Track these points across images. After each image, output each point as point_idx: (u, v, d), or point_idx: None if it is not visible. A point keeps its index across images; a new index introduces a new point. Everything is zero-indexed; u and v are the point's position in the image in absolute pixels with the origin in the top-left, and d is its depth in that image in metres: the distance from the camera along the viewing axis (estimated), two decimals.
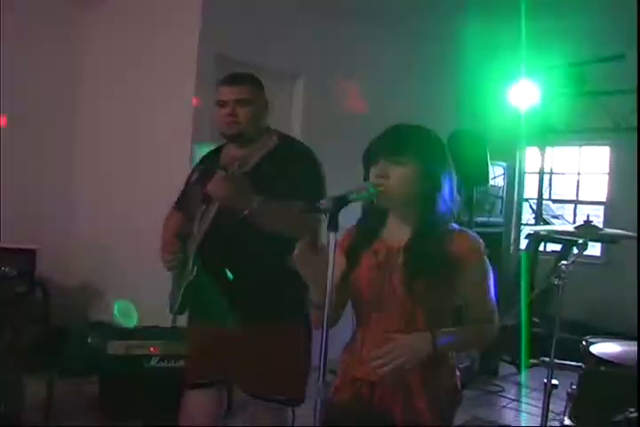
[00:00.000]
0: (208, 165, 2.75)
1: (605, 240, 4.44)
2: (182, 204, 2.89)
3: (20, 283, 4.22)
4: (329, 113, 4.83)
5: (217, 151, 2.85)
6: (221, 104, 2.63)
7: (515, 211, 7.09)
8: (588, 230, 2.86)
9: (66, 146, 5.13)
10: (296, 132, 4.84)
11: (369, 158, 1.88)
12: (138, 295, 4.52)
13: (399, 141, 1.86)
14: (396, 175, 1.83)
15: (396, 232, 1.92)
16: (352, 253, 1.94)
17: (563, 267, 2.63)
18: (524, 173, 7.05)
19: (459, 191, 5.54)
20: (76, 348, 4.37)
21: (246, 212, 2.29)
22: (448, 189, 1.89)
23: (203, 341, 2.70)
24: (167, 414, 3.66)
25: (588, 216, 2.99)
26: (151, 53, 4.61)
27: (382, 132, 1.92)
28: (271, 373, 2.44)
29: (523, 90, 5.35)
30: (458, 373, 1.96)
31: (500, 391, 4.89)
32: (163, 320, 4.00)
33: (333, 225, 1.64)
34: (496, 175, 6.56)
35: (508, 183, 6.83)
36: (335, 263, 1.66)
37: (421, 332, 1.80)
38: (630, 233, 3.07)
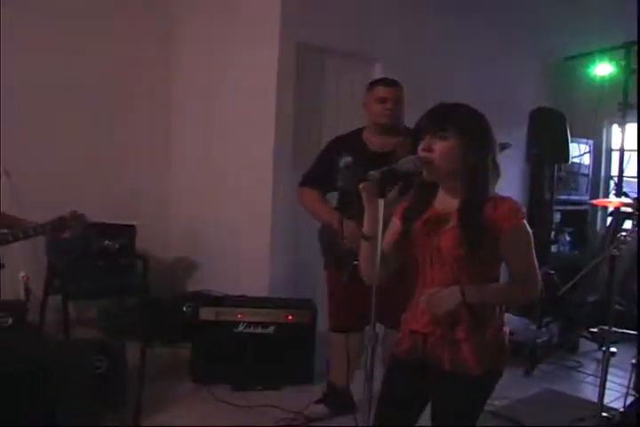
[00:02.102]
0: (358, 151, 3.23)
1: None
2: (321, 183, 3.47)
3: (121, 256, 4.61)
4: (408, 93, 4.97)
5: (355, 139, 3.47)
6: (382, 100, 3.36)
7: (601, 188, 7.02)
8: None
9: (163, 128, 5.51)
10: None
11: (417, 135, 2.08)
12: (228, 267, 4.87)
13: (441, 118, 2.05)
14: (440, 149, 2.01)
15: (446, 202, 2.10)
16: (407, 220, 2.14)
17: (621, 238, 2.73)
18: (611, 150, 6.96)
19: (541, 170, 5.63)
20: (173, 316, 4.74)
21: None
22: (490, 162, 2.05)
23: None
24: (252, 376, 4.01)
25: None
26: (235, 43, 4.90)
27: (429, 109, 2.11)
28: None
29: (604, 66, 5.35)
30: (506, 329, 2.13)
31: (579, 367, 4.93)
32: (248, 290, 4.35)
33: (382, 193, 1.86)
34: (581, 153, 6.56)
35: (593, 161, 6.80)
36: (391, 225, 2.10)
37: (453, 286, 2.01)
38: None
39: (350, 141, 3.47)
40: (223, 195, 5.04)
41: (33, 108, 4.67)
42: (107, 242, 4.49)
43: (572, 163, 6.19)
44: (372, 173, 1.89)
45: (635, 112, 5.09)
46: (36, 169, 4.64)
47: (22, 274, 4.48)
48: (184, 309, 4.74)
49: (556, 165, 5.76)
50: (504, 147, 3.25)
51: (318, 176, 3.51)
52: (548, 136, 5.48)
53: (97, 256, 4.51)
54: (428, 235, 2.08)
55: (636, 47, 4.82)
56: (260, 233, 4.63)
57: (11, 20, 4.55)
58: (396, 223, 2.16)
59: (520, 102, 5.96)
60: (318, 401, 3.68)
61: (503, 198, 2.07)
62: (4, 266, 2.94)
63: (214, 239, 5.08)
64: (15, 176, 4.54)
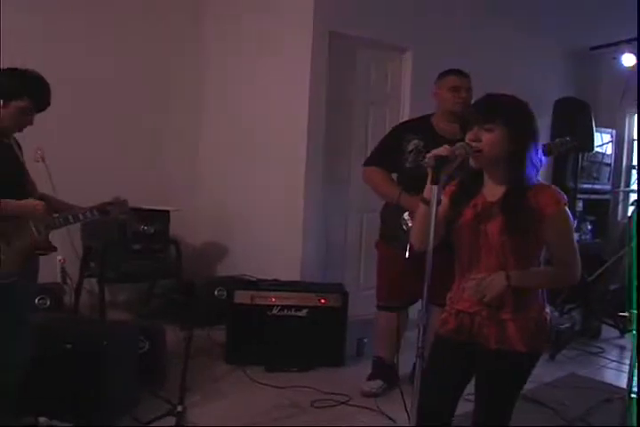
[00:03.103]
0: (428, 136, 3.49)
1: None
2: (387, 163, 3.64)
3: (156, 241, 4.72)
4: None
5: (423, 124, 3.61)
6: (455, 89, 3.57)
7: (623, 178, 7.08)
8: None
9: (194, 115, 5.64)
10: (406, 98, 5.22)
11: (465, 124, 2.18)
12: (259, 252, 4.97)
13: (488, 110, 2.15)
14: (487, 139, 2.11)
15: (492, 189, 2.21)
16: (456, 203, 2.24)
17: None
18: (633, 139, 7.00)
19: (565, 159, 5.67)
20: (205, 300, 4.85)
21: None
22: (533, 152, 2.15)
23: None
24: (285, 358, 4.12)
25: None
26: (269, 32, 4.99)
27: (476, 101, 2.24)
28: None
29: (628, 56, 5.41)
30: (547, 310, 2.23)
31: (601, 352, 5.01)
32: (279, 275, 4.44)
33: (435, 179, 1.96)
34: (604, 142, 6.60)
35: (616, 150, 6.84)
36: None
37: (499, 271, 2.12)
38: None
39: (419, 126, 3.64)
40: (254, 182, 5.14)
41: (67, 97, 4.75)
42: (142, 227, 4.60)
43: (595, 152, 6.26)
44: (426, 160, 1.98)
45: None
46: (69, 155, 4.74)
47: (59, 257, 4.58)
48: (215, 293, 4.85)
49: (580, 155, 5.83)
50: (565, 143, 3.27)
51: (385, 156, 3.67)
52: (572, 126, 5.54)
53: (133, 240, 4.63)
54: (475, 220, 2.19)
55: None
56: (293, 220, 4.74)
57: (48, 12, 4.68)
58: (444, 200, 2.26)
59: (545, 91, 6.02)
60: (371, 377, 3.84)
61: (546, 186, 2.18)
62: (55, 249, 3.03)
63: (244, 226, 5.19)
64: (49, 162, 4.64)
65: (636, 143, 6.94)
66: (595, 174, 6.63)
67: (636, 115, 5.58)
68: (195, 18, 5.55)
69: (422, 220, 2.15)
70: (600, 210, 6.82)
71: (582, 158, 5.97)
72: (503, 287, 2.09)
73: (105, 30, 5.05)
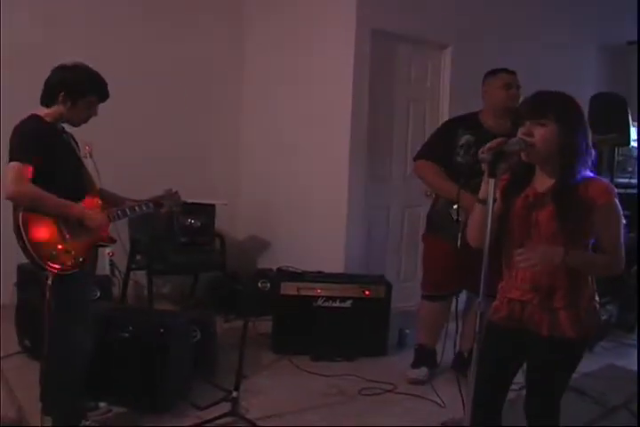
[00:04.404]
0: (477, 131, 3.60)
1: None
2: (438, 157, 3.71)
3: (202, 234, 4.85)
4: (475, 78, 5.14)
5: (472, 121, 3.70)
6: (508, 86, 3.67)
7: None
8: None
9: (235, 114, 5.78)
10: (446, 94, 5.31)
11: (517, 119, 2.27)
12: (301, 245, 5.08)
13: (541, 106, 2.23)
14: (539, 134, 2.20)
15: (543, 182, 2.29)
16: (508, 195, 2.32)
17: None
18: None
19: (600, 153, 5.67)
20: (249, 291, 4.99)
21: None
22: (584, 146, 2.23)
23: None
24: (330, 347, 4.23)
25: None
26: (311, 31, 5.11)
27: (528, 97, 2.31)
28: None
29: None
30: (597, 298, 2.32)
31: (638, 345, 5.06)
32: (323, 267, 4.54)
33: (492, 172, 2.05)
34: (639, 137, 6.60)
35: None
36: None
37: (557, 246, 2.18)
38: None
39: (468, 122, 3.73)
40: (296, 177, 5.26)
41: (114, 94, 4.88)
42: (189, 220, 4.72)
43: (631, 147, 6.26)
44: (483, 155, 2.08)
45: None
46: (116, 151, 4.85)
47: (108, 250, 4.72)
48: (259, 284, 4.97)
49: (616, 149, 5.86)
50: (611, 139, 3.31)
51: (437, 150, 3.75)
52: (608, 121, 5.56)
53: (180, 234, 4.76)
54: (526, 211, 2.27)
55: None
56: (336, 213, 4.85)
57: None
58: (497, 194, 2.31)
59: (580, 87, 6.03)
60: (415, 365, 3.94)
61: (596, 178, 2.25)
62: (115, 241, 3.14)
63: (286, 219, 5.32)
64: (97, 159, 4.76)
65: None
66: (630, 169, 6.63)
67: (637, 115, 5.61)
68: (237, 17, 5.67)
69: (479, 218, 2.22)
70: (635, 204, 6.81)
71: (618, 153, 5.99)
72: (559, 259, 2.12)
73: (145, 29, 5.18)
